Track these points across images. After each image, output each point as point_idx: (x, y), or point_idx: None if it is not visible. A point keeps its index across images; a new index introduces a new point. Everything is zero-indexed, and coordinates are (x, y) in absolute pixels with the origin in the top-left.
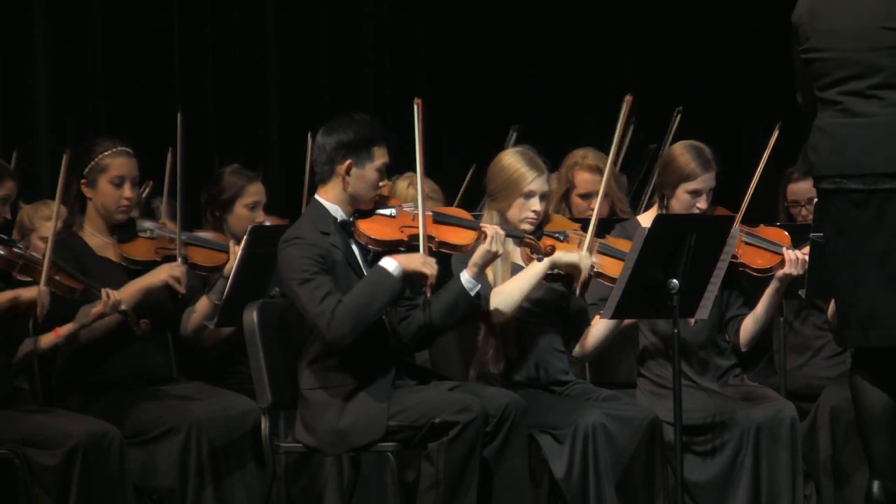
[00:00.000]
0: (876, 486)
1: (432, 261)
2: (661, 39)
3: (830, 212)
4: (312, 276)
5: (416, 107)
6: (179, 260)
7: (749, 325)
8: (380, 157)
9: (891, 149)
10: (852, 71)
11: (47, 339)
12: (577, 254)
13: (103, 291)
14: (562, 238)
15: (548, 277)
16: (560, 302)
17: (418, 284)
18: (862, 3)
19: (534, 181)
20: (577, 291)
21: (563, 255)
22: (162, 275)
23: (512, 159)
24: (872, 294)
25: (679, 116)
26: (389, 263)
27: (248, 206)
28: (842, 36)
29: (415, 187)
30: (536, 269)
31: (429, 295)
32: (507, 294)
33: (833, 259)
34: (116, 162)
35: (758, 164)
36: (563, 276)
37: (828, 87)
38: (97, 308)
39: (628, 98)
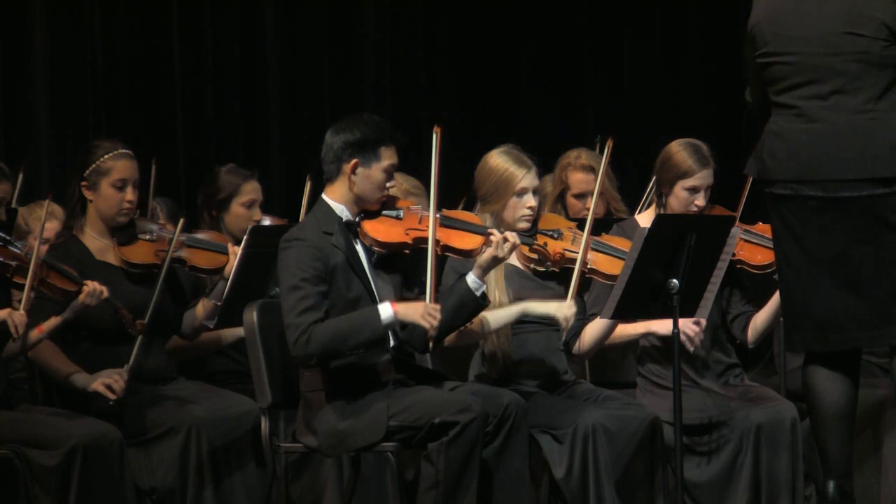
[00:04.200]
0: (831, 485)
1: (435, 311)
2: (661, 40)
3: (785, 218)
4: (301, 284)
5: (434, 135)
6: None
7: (758, 322)
8: (387, 157)
9: (849, 156)
10: (812, 76)
11: (32, 335)
12: (556, 304)
13: (87, 283)
14: (555, 236)
15: (544, 276)
16: (556, 300)
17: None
18: (824, 8)
19: (524, 178)
20: (563, 337)
21: (538, 307)
22: (96, 381)
23: (499, 160)
24: (829, 298)
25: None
26: (386, 309)
27: (245, 204)
28: (803, 41)
29: (395, 185)
30: (508, 313)
31: (430, 347)
32: (483, 321)
33: (786, 264)
34: (118, 165)
35: None
36: (559, 275)
37: (785, 91)
38: (81, 298)
39: (609, 143)
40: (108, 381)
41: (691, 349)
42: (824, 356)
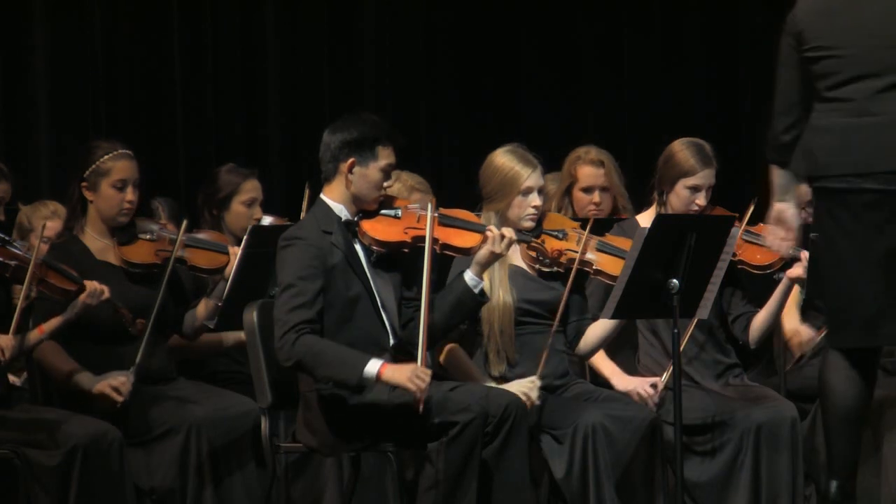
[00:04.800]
0: (833, 486)
1: (425, 374)
2: (661, 39)
3: (834, 212)
4: (296, 282)
5: (429, 206)
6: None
7: (759, 322)
8: (384, 157)
9: None
10: (869, 69)
11: (32, 336)
12: (517, 383)
13: (87, 283)
14: (560, 236)
15: (549, 277)
16: (559, 302)
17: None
18: (884, 1)
19: (530, 177)
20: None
21: (512, 386)
22: (102, 384)
23: (504, 159)
24: (878, 294)
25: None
26: (373, 366)
27: (245, 203)
28: (862, 34)
29: (401, 182)
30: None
31: (419, 411)
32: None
33: (834, 260)
34: (118, 165)
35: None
36: (564, 276)
37: (838, 85)
38: (82, 298)
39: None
40: (114, 384)
41: (652, 407)
42: (846, 355)
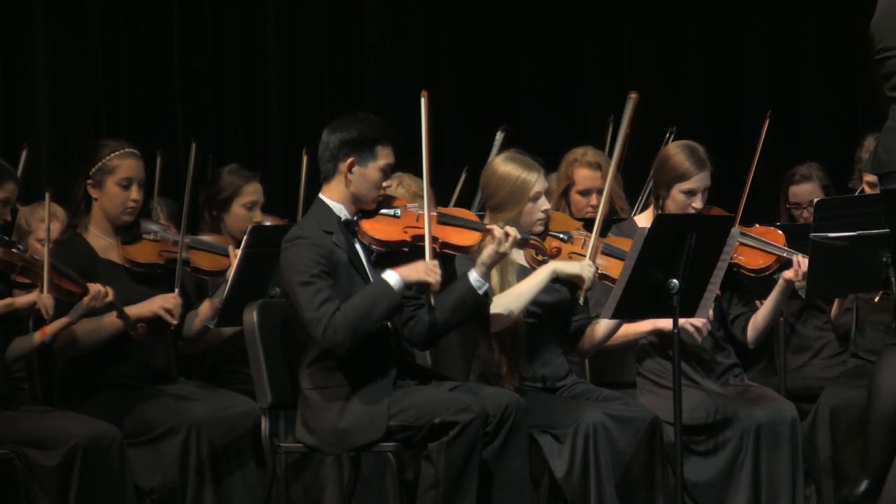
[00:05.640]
0: (864, 485)
1: (436, 267)
2: (661, 39)
3: None
4: (313, 280)
5: (422, 99)
6: (176, 291)
7: (757, 322)
8: (383, 156)
9: None
10: None
11: (36, 338)
12: (579, 263)
13: (91, 286)
14: (566, 238)
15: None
16: (561, 302)
17: (422, 290)
18: None
19: (537, 182)
20: (581, 299)
21: (566, 266)
22: (153, 306)
23: (508, 167)
24: None
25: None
26: (391, 276)
27: (246, 205)
28: None
29: (404, 187)
30: (539, 277)
31: (433, 300)
32: (512, 300)
33: None
34: (124, 164)
35: (757, 166)
36: (566, 280)
37: None
38: (86, 301)
39: (633, 95)
40: (166, 305)
41: (699, 340)
42: None
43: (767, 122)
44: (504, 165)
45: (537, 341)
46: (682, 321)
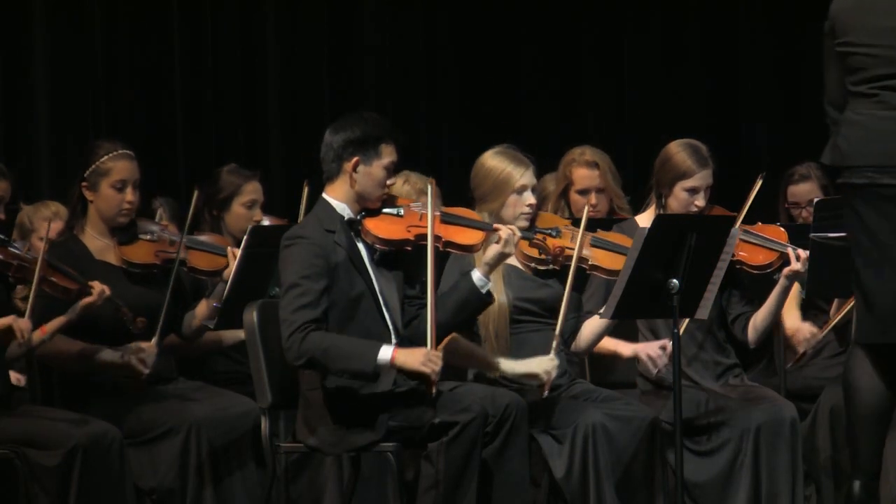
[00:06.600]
0: (857, 485)
1: (437, 358)
2: (660, 39)
3: (857, 207)
4: (301, 282)
5: (429, 186)
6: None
7: (757, 322)
8: (387, 154)
9: None
10: (894, 69)
11: (35, 336)
12: (537, 360)
13: (91, 284)
14: (554, 234)
15: (544, 275)
16: (557, 299)
17: (413, 378)
18: None
19: (523, 175)
20: (545, 394)
21: (517, 366)
22: (126, 354)
23: (496, 160)
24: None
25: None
26: (385, 352)
27: (246, 204)
28: (888, 33)
29: (410, 184)
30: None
31: (431, 394)
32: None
33: (857, 254)
34: (119, 165)
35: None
36: (559, 273)
37: (864, 81)
38: (86, 300)
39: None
40: (140, 355)
41: (654, 372)
42: (872, 352)
43: (760, 183)
44: (492, 159)
45: (534, 340)
46: (640, 350)
